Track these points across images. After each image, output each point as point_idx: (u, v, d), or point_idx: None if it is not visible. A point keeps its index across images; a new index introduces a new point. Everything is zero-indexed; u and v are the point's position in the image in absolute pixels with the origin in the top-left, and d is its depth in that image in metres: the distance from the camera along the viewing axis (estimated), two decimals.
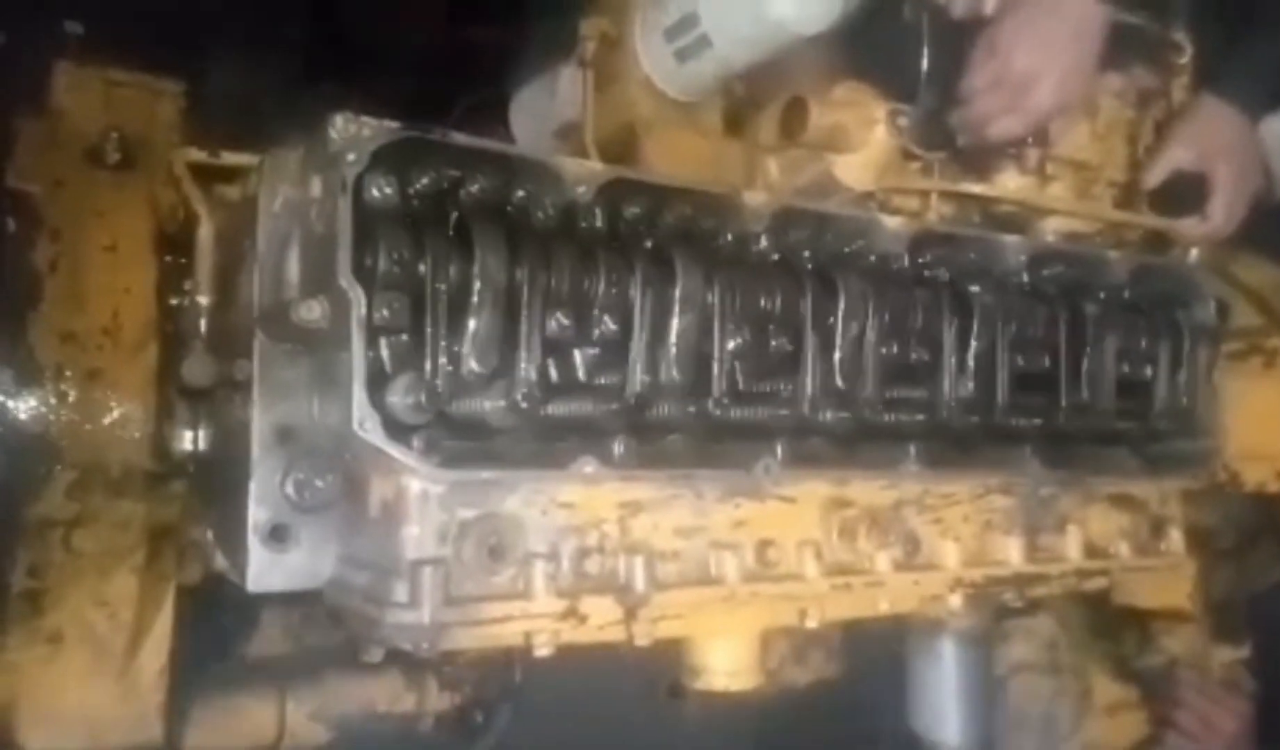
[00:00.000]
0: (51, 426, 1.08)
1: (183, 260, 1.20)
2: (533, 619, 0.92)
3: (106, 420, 1.10)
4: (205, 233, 1.05)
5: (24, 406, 1.07)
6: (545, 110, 1.60)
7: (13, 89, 1.27)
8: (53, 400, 1.08)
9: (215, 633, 1.46)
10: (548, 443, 0.99)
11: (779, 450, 1.10)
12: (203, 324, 1.04)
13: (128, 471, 1.11)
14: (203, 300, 1.04)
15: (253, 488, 0.93)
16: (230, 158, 1.12)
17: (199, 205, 1.07)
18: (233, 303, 1.00)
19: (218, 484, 1.07)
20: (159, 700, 1.24)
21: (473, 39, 1.74)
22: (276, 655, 1.52)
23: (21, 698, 1.17)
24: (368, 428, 0.85)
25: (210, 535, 1.12)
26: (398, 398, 0.90)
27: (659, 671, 1.64)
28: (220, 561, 1.12)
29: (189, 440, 1.11)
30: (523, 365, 0.94)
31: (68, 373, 1.09)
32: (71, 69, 1.27)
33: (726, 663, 1.08)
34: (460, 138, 0.93)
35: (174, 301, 1.19)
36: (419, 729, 1.52)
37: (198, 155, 1.13)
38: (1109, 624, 1.63)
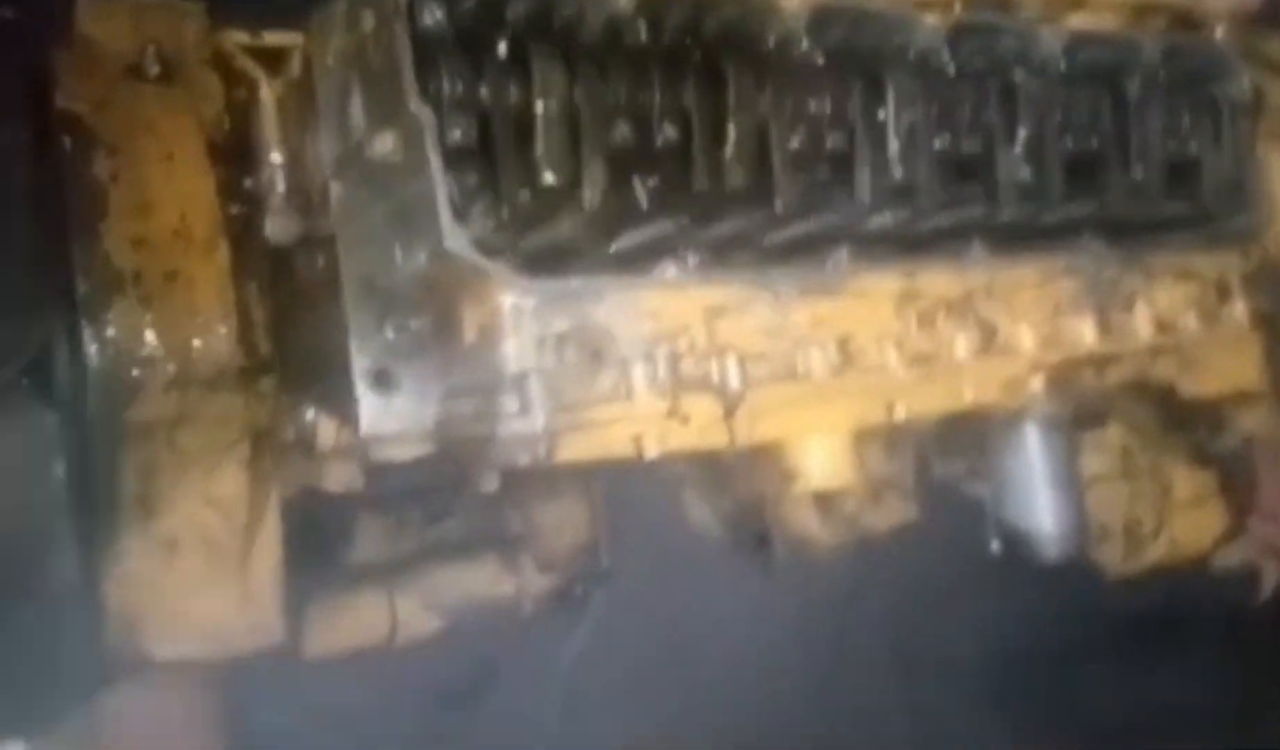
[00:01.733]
0: (139, 329, 1.10)
1: (234, 168, 1.22)
2: (638, 421, 0.94)
3: (191, 317, 1.12)
4: (266, 94, 1.07)
5: (109, 312, 1.09)
6: None
7: (41, 24, 1.28)
8: (136, 302, 1.10)
9: (315, 545, 1.49)
10: (624, 265, 1.00)
11: (845, 250, 1.12)
12: (279, 183, 1.06)
13: (219, 366, 1.13)
14: (276, 159, 1.06)
15: (352, 338, 0.96)
16: (272, 38, 1.13)
17: (256, 71, 1.09)
18: (303, 163, 1.02)
19: (314, 354, 1.09)
20: (276, 601, 1.27)
21: None
22: (375, 561, 1.56)
23: (145, 607, 1.20)
24: (458, 246, 0.87)
25: (310, 415, 1.15)
26: (478, 224, 0.91)
27: (743, 528, 1.68)
28: (324, 441, 1.15)
29: (277, 329, 1.13)
30: (591, 179, 0.96)
31: (146, 275, 1.11)
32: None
33: (822, 462, 1.10)
34: None
35: (234, 208, 1.21)
36: (521, 610, 1.56)
37: (241, 37, 1.14)
38: (1181, 415, 1.63)
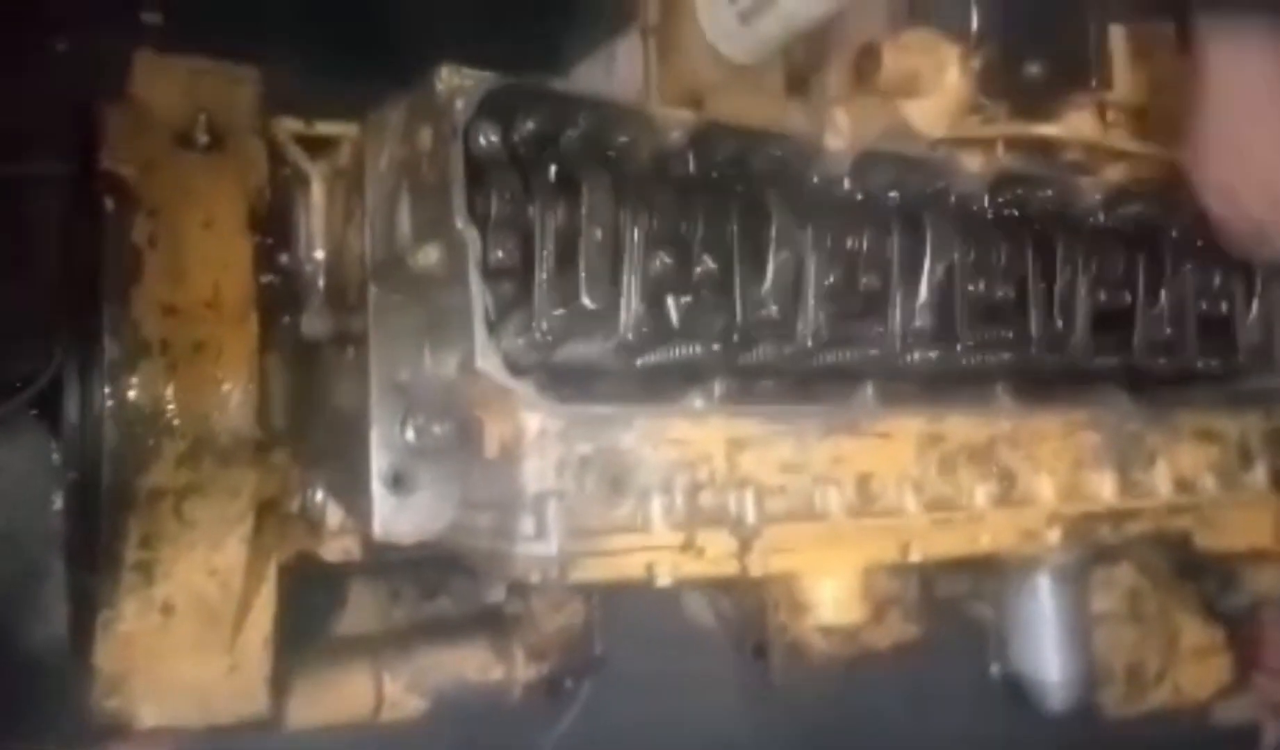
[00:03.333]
0: (160, 398, 1.10)
1: (271, 240, 1.22)
2: (653, 551, 0.94)
3: (213, 390, 1.12)
4: (316, 190, 1.08)
5: (133, 379, 1.09)
6: (603, 86, 1.62)
7: (95, 80, 1.30)
8: (160, 372, 1.10)
9: (307, 611, 1.48)
10: (651, 384, 1.00)
11: (871, 389, 1.12)
12: (320, 280, 1.06)
13: (236, 440, 1.13)
14: (319, 255, 1.07)
15: (374, 435, 0.95)
16: (324, 128, 1.15)
17: (306, 165, 1.10)
18: (343, 261, 1.03)
19: (331, 441, 1.09)
20: (265, 672, 1.25)
21: (522, 17, 1.76)
22: (366, 633, 1.54)
23: (135, 670, 1.19)
24: (489, 366, 0.87)
25: (319, 496, 1.14)
26: (511, 339, 0.92)
27: (743, 634, 1.66)
28: (330, 522, 1.14)
29: (295, 405, 1.13)
30: (627, 306, 0.96)
31: (173, 345, 1.11)
32: (152, 58, 1.30)
33: (833, 595, 1.09)
34: (559, 85, 0.95)
35: (267, 279, 1.21)
36: (510, 698, 1.54)
37: (294, 125, 1.15)
38: (1193, 566, 1.62)
